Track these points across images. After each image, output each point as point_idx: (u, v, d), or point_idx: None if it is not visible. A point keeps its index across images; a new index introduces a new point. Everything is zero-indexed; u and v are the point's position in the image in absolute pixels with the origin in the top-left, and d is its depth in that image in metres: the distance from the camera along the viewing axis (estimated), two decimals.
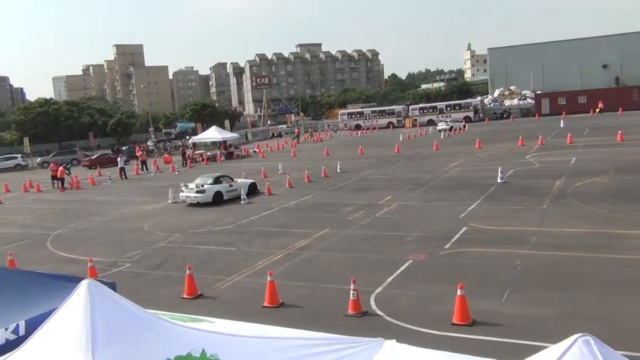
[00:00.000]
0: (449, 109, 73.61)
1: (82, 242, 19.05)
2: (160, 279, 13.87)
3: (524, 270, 12.09)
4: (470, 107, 72.43)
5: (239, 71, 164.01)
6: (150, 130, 72.44)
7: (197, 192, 24.52)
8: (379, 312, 10.35)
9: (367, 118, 78.81)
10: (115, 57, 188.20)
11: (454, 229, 16.03)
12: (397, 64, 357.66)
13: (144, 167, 43.38)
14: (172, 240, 17.99)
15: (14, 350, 3.74)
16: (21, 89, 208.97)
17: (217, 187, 24.84)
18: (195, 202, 24.43)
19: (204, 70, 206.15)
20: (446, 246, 14.44)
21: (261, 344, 3.87)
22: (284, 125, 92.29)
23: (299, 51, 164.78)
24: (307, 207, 22.05)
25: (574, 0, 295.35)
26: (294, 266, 13.95)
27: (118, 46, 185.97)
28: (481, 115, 71.29)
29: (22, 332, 4.48)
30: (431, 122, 71.51)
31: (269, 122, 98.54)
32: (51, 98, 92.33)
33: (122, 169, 39.82)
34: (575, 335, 3.02)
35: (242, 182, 26.47)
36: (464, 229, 16.08)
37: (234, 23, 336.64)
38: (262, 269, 13.55)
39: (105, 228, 21.35)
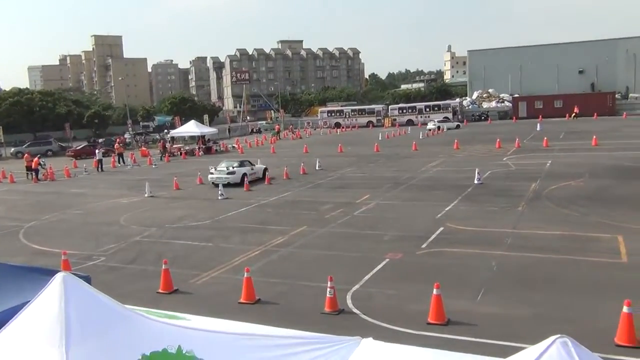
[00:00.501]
0: (428, 109, 74.18)
1: (56, 235, 18.74)
2: (136, 274, 13.72)
3: (499, 270, 12.25)
4: (449, 109, 73.04)
5: (219, 66, 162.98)
6: (127, 123, 71.58)
7: (227, 173, 27.52)
8: (355, 310, 10.38)
9: (347, 116, 79.01)
10: (93, 48, 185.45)
11: (431, 229, 16.16)
12: (377, 63, 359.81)
13: (121, 159, 42.88)
14: (148, 235, 17.81)
15: None
16: None
17: (244, 169, 27.89)
18: (226, 182, 26.76)
19: (184, 63, 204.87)
20: (423, 246, 14.54)
21: (238, 341, 3.85)
22: (264, 122, 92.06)
23: (280, 47, 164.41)
24: (285, 204, 22.02)
25: (554, 6, 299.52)
26: (271, 263, 13.92)
27: (96, 37, 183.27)
28: (460, 116, 71.97)
29: None
30: (410, 122, 72.04)
31: (248, 118, 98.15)
32: (26, 88, 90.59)
33: (99, 161, 39.30)
34: (553, 337, 3.06)
35: (258, 167, 29.54)
36: (441, 229, 16.21)
37: (215, 17, 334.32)
38: (239, 265, 13.49)
39: (80, 221, 21.04)
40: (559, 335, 3.05)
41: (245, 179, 26.97)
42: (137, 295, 11.52)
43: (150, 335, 3.64)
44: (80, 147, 53.71)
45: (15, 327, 3.60)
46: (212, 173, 28.21)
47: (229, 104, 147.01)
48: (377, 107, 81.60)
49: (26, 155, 39.17)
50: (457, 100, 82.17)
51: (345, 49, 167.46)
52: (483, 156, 33.60)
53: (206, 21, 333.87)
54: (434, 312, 9.57)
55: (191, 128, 51.56)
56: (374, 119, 76.69)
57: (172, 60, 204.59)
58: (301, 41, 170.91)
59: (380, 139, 50.68)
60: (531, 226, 16.04)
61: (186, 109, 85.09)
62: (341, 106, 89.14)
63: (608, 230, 14.96)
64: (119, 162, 42.48)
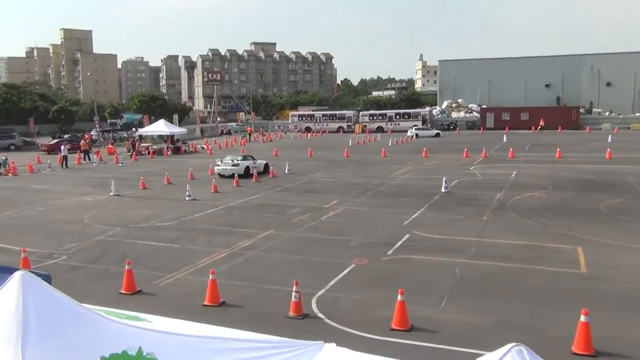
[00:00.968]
0: (398, 117, 74.94)
1: (16, 232, 18.27)
2: (98, 273, 13.47)
3: (462, 278, 12.42)
4: (419, 117, 73.93)
5: (190, 65, 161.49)
6: (94, 119, 70.32)
7: (232, 165, 30.19)
8: (319, 314, 10.40)
9: (318, 121, 79.17)
10: (62, 42, 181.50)
11: (397, 236, 16.30)
12: (350, 69, 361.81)
13: (87, 157, 42.09)
14: (112, 234, 17.51)
15: None
16: None
17: (247, 163, 30.72)
18: (231, 173, 29.28)
19: (155, 61, 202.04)
20: (389, 252, 14.66)
21: (200, 343, 3.82)
22: (234, 123, 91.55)
23: (253, 49, 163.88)
24: (253, 207, 21.92)
25: (524, 20, 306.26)
26: (237, 265, 13.84)
27: (66, 30, 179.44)
28: (429, 125, 72.85)
29: None
30: (380, 129, 72.59)
31: (218, 119, 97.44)
32: None
33: (64, 157, 38.48)
34: (510, 345, 3.13)
35: (260, 162, 31.88)
36: (407, 236, 16.37)
37: (188, 16, 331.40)
38: (205, 267, 13.37)
39: (42, 218, 20.56)
40: (514, 344, 3.12)
41: (250, 171, 29.83)
42: (99, 295, 11.31)
43: (110, 336, 3.58)
44: (54, 142, 52.50)
45: None
46: (218, 165, 30.75)
47: (199, 104, 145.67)
48: (348, 112, 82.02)
49: None
50: (427, 109, 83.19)
51: (318, 54, 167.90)
52: (451, 165, 34.07)
53: (179, 20, 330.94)
54: (398, 318, 9.65)
55: (160, 127, 50.98)
56: (344, 125, 77.03)
57: (142, 58, 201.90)
58: (274, 44, 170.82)
59: (350, 144, 50.93)
60: (495, 235, 16.33)
61: (156, 107, 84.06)
62: (312, 110, 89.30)
63: (569, 242, 15.33)
64: (85, 159, 41.67)
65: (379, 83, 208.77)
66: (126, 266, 12.01)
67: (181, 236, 17.05)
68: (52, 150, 48.60)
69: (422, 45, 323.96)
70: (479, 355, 3.60)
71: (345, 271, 13.01)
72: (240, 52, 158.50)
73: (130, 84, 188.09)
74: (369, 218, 19.28)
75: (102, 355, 3.44)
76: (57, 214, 21.32)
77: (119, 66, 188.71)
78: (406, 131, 65.50)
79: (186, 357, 3.65)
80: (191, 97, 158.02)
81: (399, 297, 9.66)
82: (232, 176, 28.71)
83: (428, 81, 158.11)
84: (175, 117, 66.38)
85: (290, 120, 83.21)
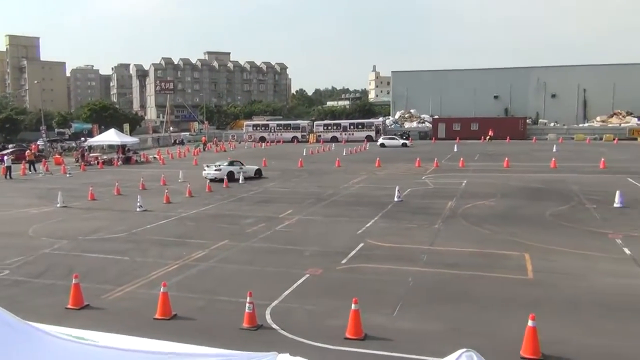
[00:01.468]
0: (352, 127, 75.62)
1: None
2: (43, 288, 12.99)
3: (415, 286, 12.59)
4: (373, 127, 74.81)
5: (142, 74, 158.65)
6: (41, 128, 68.06)
7: (215, 170, 32.06)
8: (274, 325, 10.33)
9: (272, 131, 79.04)
10: (7, 48, 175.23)
11: (351, 245, 16.39)
12: (304, 79, 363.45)
13: (32, 167, 40.69)
14: (59, 247, 16.94)
15: None
16: None
17: (230, 168, 32.35)
18: (214, 177, 31.52)
19: (106, 70, 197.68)
20: (343, 261, 14.72)
21: (148, 359, 3.73)
22: (187, 133, 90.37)
23: (206, 58, 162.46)
24: (206, 217, 21.65)
25: (474, 34, 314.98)
26: (189, 277, 13.61)
27: (11, 37, 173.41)
28: (383, 135, 73.80)
29: None
30: (335, 139, 73.04)
31: (171, 128, 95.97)
32: None
33: (7, 168, 37.09)
34: (460, 351, 3.19)
35: (249, 167, 33.87)
36: (361, 245, 16.48)
37: (140, 24, 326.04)
38: (156, 279, 13.09)
39: None
40: (465, 350, 3.18)
41: (235, 176, 31.61)
42: (44, 311, 10.92)
43: (53, 353, 3.46)
44: (9, 151, 50.39)
45: None
46: (204, 170, 32.74)
47: (151, 113, 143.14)
48: (303, 122, 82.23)
49: None
50: (381, 119, 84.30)
51: (273, 64, 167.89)
52: (403, 174, 34.56)
53: (130, 27, 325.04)
54: (352, 327, 9.68)
55: (111, 137, 49.85)
56: (299, 135, 77.16)
57: (92, 66, 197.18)
58: (229, 53, 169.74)
59: (304, 154, 51.03)
60: (447, 243, 16.63)
61: (106, 116, 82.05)
62: (267, 120, 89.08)
63: (516, 248, 15.76)
64: (30, 170, 40.28)
65: (333, 93, 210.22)
66: (73, 280, 11.62)
67: (131, 248, 16.65)
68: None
69: (376, 56, 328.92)
70: None
71: (300, 281, 12.98)
72: (193, 61, 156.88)
73: (80, 93, 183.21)
74: (323, 227, 19.32)
75: None
76: (0, 226, 20.49)
77: (68, 74, 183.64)
78: (361, 141, 66.08)
79: None
80: (143, 106, 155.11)
81: (353, 306, 9.70)
82: (220, 180, 30.78)
83: (381, 92, 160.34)
84: (126, 126, 65.08)
85: (244, 130, 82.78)
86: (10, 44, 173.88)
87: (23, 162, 41.65)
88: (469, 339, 9.08)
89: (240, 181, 31.62)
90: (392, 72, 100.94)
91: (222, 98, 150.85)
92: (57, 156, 49.91)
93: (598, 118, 79.86)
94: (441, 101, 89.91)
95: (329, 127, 77.33)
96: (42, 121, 71.40)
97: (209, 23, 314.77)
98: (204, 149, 62.96)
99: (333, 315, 10.70)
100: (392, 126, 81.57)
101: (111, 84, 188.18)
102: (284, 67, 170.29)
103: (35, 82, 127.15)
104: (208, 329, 10.27)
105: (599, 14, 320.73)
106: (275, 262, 14.81)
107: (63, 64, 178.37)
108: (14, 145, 58.34)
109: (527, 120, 76.64)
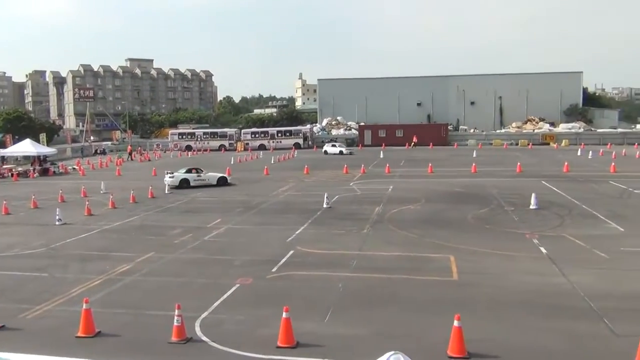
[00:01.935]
0: (280, 134, 75.60)
1: None
2: None
3: (345, 292, 12.73)
4: (300, 134, 75.14)
5: (60, 81, 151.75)
6: None
7: (169, 177, 32.45)
8: (204, 337, 10.13)
9: (199, 139, 77.69)
10: None
11: (281, 253, 16.37)
12: (231, 86, 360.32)
13: None
14: None
15: None
16: None
17: (185, 175, 32.66)
18: (167, 184, 31.79)
19: (19, 77, 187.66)
20: (273, 270, 14.67)
21: None
22: (109, 142, 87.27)
23: (128, 65, 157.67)
24: (131, 229, 20.96)
25: (396, 42, 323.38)
26: (114, 292, 13.12)
27: None
28: (310, 142, 74.29)
29: None
30: (262, 147, 72.76)
31: (92, 137, 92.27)
32: None
33: None
34: (388, 353, 3.25)
35: (210, 174, 33.85)
36: (291, 252, 16.50)
37: (57, 29, 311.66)
38: (78, 296, 12.53)
39: None
40: (393, 352, 3.25)
41: (188, 184, 32.08)
42: None
43: None
44: None
45: None
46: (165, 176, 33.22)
47: (70, 122, 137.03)
48: (230, 130, 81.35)
49: None
50: (308, 126, 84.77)
51: (198, 71, 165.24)
52: (331, 181, 34.91)
53: (46, 32, 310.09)
54: (283, 335, 9.66)
55: (26, 147, 47.34)
56: (226, 143, 76.27)
57: (4, 73, 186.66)
58: (151, 60, 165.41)
59: (232, 162, 50.50)
60: (375, 248, 16.95)
61: (21, 127, 77.73)
62: (193, 128, 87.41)
63: (441, 251, 16.29)
64: None
65: (260, 101, 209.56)
66: None
67: (50, 264, 15.87)
68: None
69: (301, 64, 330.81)
70: None
71: (230, 291, 12.82)
72: (114, 68, 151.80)
73: None
74: (253, 236, 19.19)
75: None
76: None
77: None
78: (289, 148, 66.19)
79: None
80: (61, 115, 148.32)
81: (284, 315, 9.68)
82: (179, 187, 31.72)
83: (308, 99, 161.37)
84: (43, 136, 61.89)
85: (170, 139, 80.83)
86: None
87: None
88: (398, 341, 9.28)
89: (166, 191, 30.87)
90: (318, 79, 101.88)
91: (145, 106, 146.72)
92: None
93: (514, 124, 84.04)
94: (367, 108, 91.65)
95: (257, 135, 76.95)
96: None
97: (129, 29, 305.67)
98: (131, 158, 61.05)
99: (264, 325, 10.64)
100: (320, 133, 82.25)
101: (25, 92, 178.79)
102: (209, 75, 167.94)
103: None
104: (135, 344, 9.94)
105: (510, 26, 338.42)
106: (204, 273, 14.56)
107: None
108: None
109: (449, 127, 79.45)
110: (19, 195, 31.22)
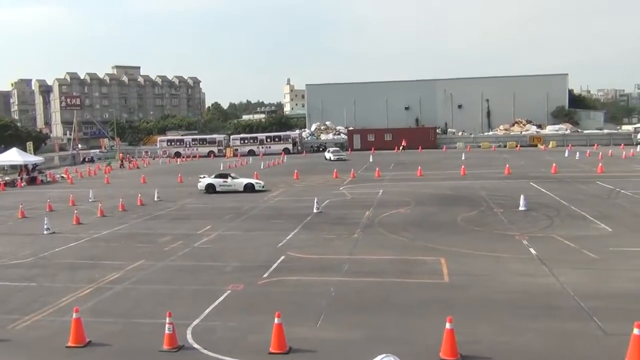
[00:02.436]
0: (269, 140, 75.58)
1: None
2: None
3: (337, 296, 12.72)
4: (289, 140, 75.18)
5: (46, 89, 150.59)
6: None
7: (200, 181, 34.04)
8: (195, 345, 10.07)
9: (188, 146, 77.49)
10: None
11: (272, 258, 16.33)
12: (219, 93, 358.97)
13: None
14: None
15: None
16: None
17: (211, 181, 33.12)
18: (199, 188, 33.20)
19: (4, 85, 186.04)
20: (264, 275, 14.63)
21: None
22: (97, 150, 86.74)
23: (115, 73, 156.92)
24: (120, 237, 20.82)
25: (384, 46, 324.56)
26: (104, 301, 13.01)
27: None
28: (299, 147, 74.32)
29: None
30: (252, 153, 72.69)
31: (79, 146, 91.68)
32: None
33: None
34: (380, 356, 3.25)
35: (238, 181, 33.38)
36: (282, 257, 16.47)
37: (42, 37, 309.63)
38: (67, 305, 12.42)
39: None
40: (385, 355, 3.25)
41: (217, 189, 32.46)
42: None
43: None
44: None
45: None
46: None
47: (57, 130, 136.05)
48: (219, 136, 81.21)
49: None
50: (297, 131, 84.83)
51: (186, 78, 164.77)
52: (321, 186, 34.92)
53: (31, 40, 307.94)
54: (276, 341, 9.63)
55: (13, 157, 46.89)
56: (215, 149, 76.11)
57: None
58: (138, 67, 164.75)
59: (221, 169, 50.35)
60: (366, 252, 16.96)
61: (7, 136, 77.03)
62: (181, 135, 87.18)
63: (432, 254, 16.34)
64: None
65: (249, 107, 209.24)
66: None
67: (39, 274, 15.72)
68: None
69: (289, 69, 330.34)
70: None
71: (221, 298, 12.77)
72: (101, 75, 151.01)
73: None
74: (244, 242, 19.14)
75: None
76: None
77: None
78: (278, 154, 66.13)
79: None
80: (48, 123, 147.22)
81: (276, 320, 9.65)
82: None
83: (297, 104, 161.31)
84: (30, 145, 61.37)
85: (158, 146, 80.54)
86: None
87: None
88: (390, 345, 9.29)
89: (155, 198, 30.71)
90: (307, 85, 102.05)
91: (133, 113, 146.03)
92: None
93: (501, 127, 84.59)
94: (355, 113, 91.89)
95: (246, 141, 76.88)
96: None
97: (115, 36, 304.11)
98: (122, 165, 60.78)
99: (256, 331, 10.60)
100: (309, 138, 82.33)
101: (11, 101, 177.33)
102: (197, 81, 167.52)
103: None
104: (126, 353, 9.86)
105: (495, 28, 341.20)
106: (195, 280, 14.49)
107: None
108: None
109: (437, 130, 79.79)
110: (6, 205, 30.93)
